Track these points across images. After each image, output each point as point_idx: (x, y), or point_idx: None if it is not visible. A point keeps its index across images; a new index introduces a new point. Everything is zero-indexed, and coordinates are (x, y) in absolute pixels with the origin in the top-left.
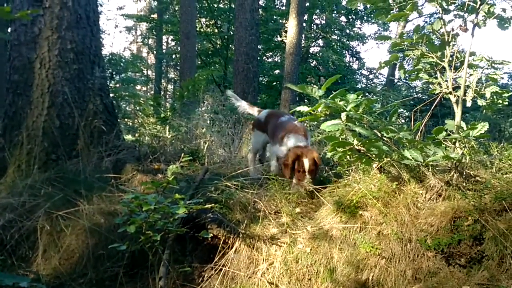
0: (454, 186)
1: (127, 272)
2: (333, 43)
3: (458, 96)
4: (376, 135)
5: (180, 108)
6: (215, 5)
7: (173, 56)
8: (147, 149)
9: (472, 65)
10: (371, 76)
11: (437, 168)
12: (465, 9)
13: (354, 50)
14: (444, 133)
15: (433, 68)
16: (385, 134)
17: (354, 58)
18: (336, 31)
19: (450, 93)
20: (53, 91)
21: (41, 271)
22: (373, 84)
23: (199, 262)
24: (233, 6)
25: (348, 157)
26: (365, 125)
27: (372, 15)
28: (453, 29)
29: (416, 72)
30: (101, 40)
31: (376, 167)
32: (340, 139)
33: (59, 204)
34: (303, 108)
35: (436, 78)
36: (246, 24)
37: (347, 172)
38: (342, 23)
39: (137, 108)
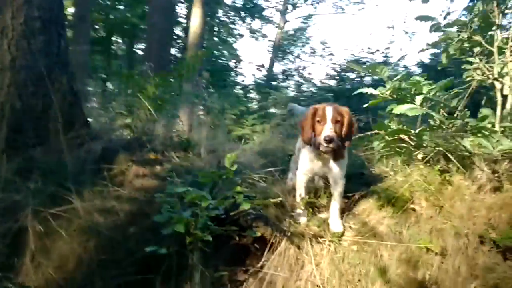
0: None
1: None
2: None
3: (503, 84)
4: (443, 123)
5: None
6: None
7: None
8: (135, 136)
9: None
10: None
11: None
12: None
13: None
14: (486, 121)
15: (474, 53)
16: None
17: None
18: None
19: (496, 79)
20: (15, 66)
21: (31, 282)
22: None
23: (231, 264)
24: None
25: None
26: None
27: None
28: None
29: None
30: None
31: (422, 158)
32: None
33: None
34: (370, 90)
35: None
36: None
37: (392, 164)
38: None
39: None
